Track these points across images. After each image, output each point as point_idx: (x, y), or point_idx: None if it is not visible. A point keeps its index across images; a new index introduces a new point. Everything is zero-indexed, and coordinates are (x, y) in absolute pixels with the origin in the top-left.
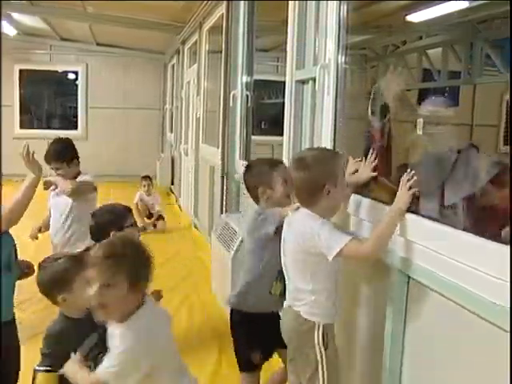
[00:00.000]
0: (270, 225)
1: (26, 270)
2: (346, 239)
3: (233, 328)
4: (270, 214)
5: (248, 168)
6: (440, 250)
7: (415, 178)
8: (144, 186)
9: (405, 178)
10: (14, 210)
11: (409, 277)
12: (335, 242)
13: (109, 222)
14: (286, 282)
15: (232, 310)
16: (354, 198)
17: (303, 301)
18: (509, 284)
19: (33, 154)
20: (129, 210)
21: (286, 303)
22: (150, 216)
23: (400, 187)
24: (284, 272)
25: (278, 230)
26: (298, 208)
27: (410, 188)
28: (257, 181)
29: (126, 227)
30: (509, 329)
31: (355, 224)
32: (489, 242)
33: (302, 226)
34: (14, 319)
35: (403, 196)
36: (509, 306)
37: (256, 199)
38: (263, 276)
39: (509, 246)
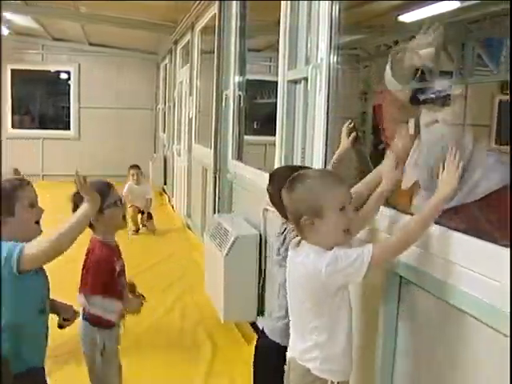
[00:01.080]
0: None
1: (66, 315)
2: (368, 247)
3: (268, 363)
4: None
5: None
6: (431, 249)
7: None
8: (133, 175)
9: (450, 156)
10: (54, 245)
11: (401, 277)
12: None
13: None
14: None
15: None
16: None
17: (313, 353)
18: (491, 281)
19: (85, 179)
20: (109, 186)
21: (289, 353)
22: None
23: (446, 167)
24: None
25: None
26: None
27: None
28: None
29: (106, 207)
30: (500, 328)
31: None
32: (479, 242)
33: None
34: (43, 367)
35: (452, 178)
36: (498, 304)
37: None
38: None
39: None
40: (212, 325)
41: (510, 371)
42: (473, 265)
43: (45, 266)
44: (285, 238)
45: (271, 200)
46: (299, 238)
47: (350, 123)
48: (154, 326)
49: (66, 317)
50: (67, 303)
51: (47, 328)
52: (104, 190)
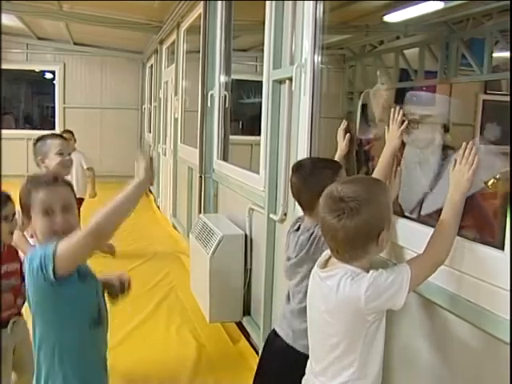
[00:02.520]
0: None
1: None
2: (404, 266)
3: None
4: None
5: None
6: (414, 248)
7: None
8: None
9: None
10: (102, 225)
11: None
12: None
13: None
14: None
15: (274, 335)
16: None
17: None
18: (477, 281)
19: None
20: (5, 199)
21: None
22: None
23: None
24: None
25: None
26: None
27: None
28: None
29: None
30: (494, 332)
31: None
32: (469, 242)
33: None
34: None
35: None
36: (486, 306)
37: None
38: None
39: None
40: (198, 325)
41: (510, 373)
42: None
43: None
44: (312, 234)
45: (296, 192)
46: (327, 255)
47: (345, 124)
48: (139, 326)
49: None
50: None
51: (106, 341)
52: None
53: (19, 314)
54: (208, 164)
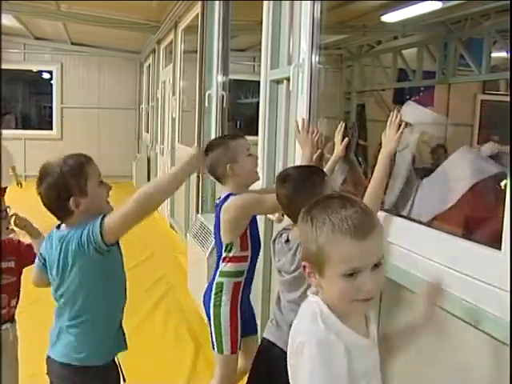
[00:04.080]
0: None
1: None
2: None
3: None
4: None
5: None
6: (411, 247)
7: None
8: None
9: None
10: (148, 196)
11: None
12: None
13: None
14: None
15: (269, 345)
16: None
17: None
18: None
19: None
20: None
21: None
22: None
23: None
24: None
25: None
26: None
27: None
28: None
29: None
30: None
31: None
32: (461, 240)
33: None
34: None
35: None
36: (472, 300)
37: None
38: None
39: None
40: (195, 324)
41: (510, 373)
42: (458, 265)
43: None
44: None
45: (286, 202)
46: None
47: (342, 126)
48: (136, 326)
49: None
50: None
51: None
52: None
53: (12, 316)
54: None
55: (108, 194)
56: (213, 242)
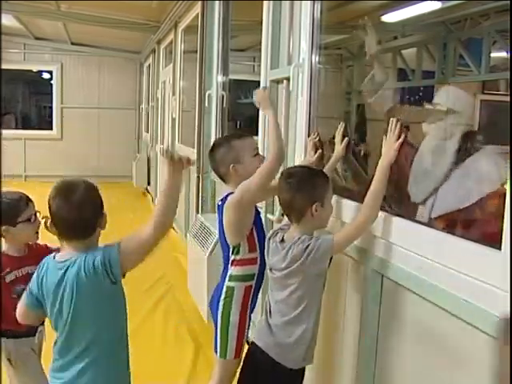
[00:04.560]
0: (325, 256)
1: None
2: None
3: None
4: (325, 241)
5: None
6: (411, 247)
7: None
8: None
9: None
10: (164, 218)
11: (382, 275)
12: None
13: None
14: None
15: (258, 352)
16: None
17: None
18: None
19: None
20: (26, 200)
21: None
22: None
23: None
24: None
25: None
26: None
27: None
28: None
29: (18, 222)
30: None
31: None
32: (461, 240)
33: None
34: None
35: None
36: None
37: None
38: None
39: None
40: (195, 324)
41: (511, 373)
42: (458, 265)
43: None
44: (308, 246)
45: (287, 200)
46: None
47: (342, 126)
48: (136, 326)
49: None
50: None
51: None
52: (19, 205)
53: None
54: (205, 164)
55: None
56: (212, 242)
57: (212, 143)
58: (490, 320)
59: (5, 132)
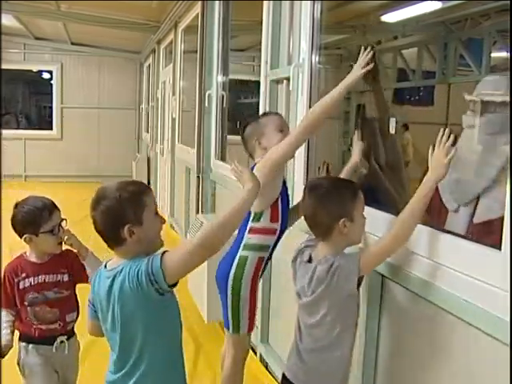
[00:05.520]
0: (351, 276)
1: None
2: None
3: None
4: (350, 259)
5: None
6: (410, 247)
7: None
8: None
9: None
10: (214, 237)
11: (383, 276)
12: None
13: (21, 223)
14: None
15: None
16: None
17: None
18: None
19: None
20: (50, 210)
21: None
22: None
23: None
24: None
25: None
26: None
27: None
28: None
29: (41, 232)
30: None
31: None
32: (460, 240)
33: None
34: None
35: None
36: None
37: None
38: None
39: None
40: (196, 325)
41: (510, 373)
42: (458, 265)
43: None
44: (332, 264)
45: (311, 214)
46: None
47: (359, 134)
48: None
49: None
50: None
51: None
52: (42, 215)
53: (69, 331)
54: (205, 164)
55: (162, 227)
56: None
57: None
58: (490, 320)
59: (5, 132)
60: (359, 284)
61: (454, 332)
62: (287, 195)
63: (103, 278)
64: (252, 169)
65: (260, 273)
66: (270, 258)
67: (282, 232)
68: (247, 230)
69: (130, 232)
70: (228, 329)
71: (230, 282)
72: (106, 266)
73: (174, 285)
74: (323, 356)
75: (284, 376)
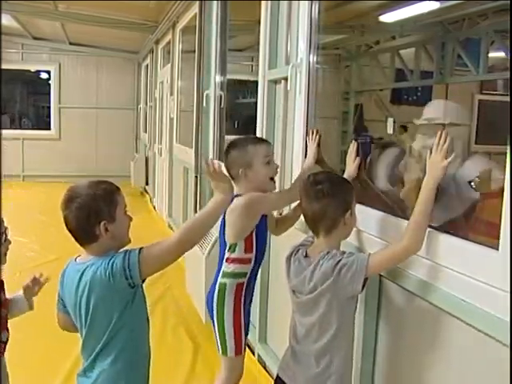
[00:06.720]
0: (358, 276)
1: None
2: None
3: None
4: (358, 259)
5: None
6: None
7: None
8: None
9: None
10: (188, 236)
11: (381, 275)
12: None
13: None
14: None
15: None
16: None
17: None
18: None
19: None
20: None
21: None
22: None
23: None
24: None
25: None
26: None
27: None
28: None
29: None
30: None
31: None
32: (460, 240)
33: None
34: None
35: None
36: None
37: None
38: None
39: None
40: (194, 325)
41: (511, 373)
42: (456, 265)
43: None
44: (339, 261)
45: (318, 211)
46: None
47: (355, 145)
48: None
49: None
50: None
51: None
52: None
53: None
54: (204, 164)
55: (130, 225)
56: (211, 243)
57: (228, 143)
58: (490, 320)
59: (4, 132)
60: (363, 286)
61: (452, 332)
62: (265, 220)
63: (73, 270)
64: (233, 199)
65: (243, 298)
66: (254, 281)
67: (259, 258)
68: (225, 259)
69: (105, 228)
70: (218, 351)
71: (215, 307)
72: (75, 260)
73: (144, 280)
74: (319, 358)
75: (278, 377)
